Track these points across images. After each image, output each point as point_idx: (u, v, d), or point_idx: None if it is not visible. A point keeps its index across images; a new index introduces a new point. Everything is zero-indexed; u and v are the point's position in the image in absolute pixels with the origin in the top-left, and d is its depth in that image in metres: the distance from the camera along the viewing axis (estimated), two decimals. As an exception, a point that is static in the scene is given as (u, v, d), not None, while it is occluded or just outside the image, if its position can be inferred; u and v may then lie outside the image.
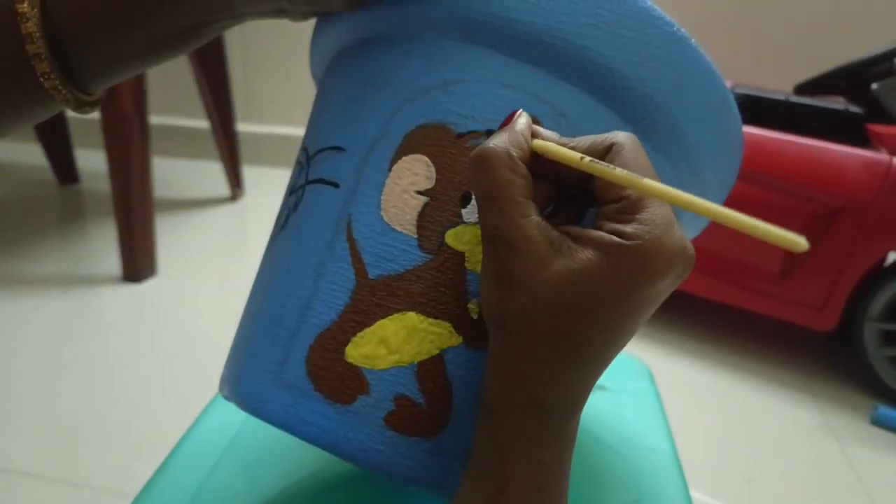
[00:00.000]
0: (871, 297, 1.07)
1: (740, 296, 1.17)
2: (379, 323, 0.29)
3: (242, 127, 2.02)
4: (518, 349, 0.24)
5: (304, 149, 0.35)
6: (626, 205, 0.24)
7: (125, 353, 1.13)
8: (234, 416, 0.49)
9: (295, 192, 0.34)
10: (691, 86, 0.31)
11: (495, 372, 0.25)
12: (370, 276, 0.29)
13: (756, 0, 1.72)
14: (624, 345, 0.25)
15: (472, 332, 0.29)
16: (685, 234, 0.44)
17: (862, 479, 0.94)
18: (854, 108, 1.11)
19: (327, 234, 0.31)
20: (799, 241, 0.17)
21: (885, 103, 1.07)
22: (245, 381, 0.32)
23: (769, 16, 1.72)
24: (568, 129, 0.30)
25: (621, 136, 0.25)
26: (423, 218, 0.29)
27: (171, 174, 2.04)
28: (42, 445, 0.91)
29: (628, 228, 0.23)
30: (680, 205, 0.21)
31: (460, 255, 0.29)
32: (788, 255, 1.11)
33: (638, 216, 0.23)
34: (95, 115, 1.28)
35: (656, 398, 0.57)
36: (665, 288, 0.24)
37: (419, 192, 0.30)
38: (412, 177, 0.30)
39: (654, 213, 0.23)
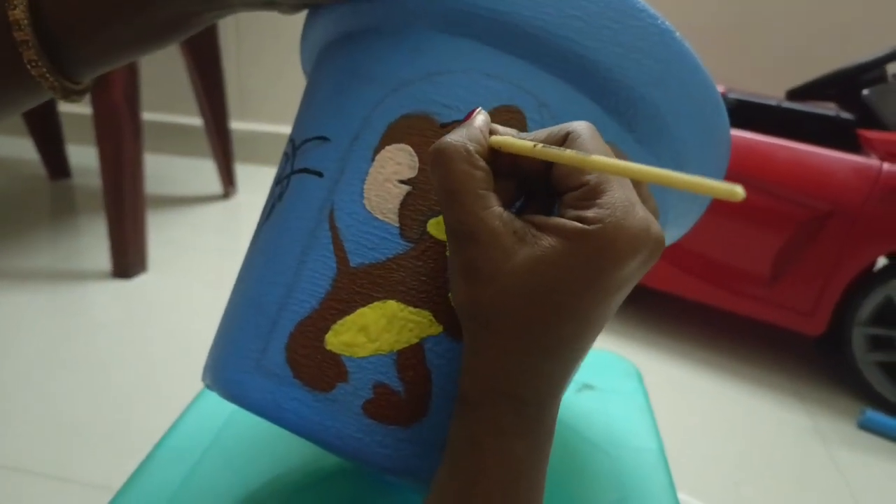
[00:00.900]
0: (859, 302, 1.07)
1: (730, 299, 1.18)
2: (359, 311, 0.29)
3: (236, 125, 2.02)
4: (490, 340, 0.24)
5: (290, 140, 0.35)
6: (586, 190, 0.24)
7: (114, 349, 1.12)
8: (219, 410, 0.48)
9: (280, 183, 0.34)
10: (675, 78, 0.31)
11: (469, 364, 0.25)
12: (351, 263, 0.29)
13: (749, 6, 1.73)
14: (597, 333, 0.25)
15: (453, 321, 0.29)
16: (672, 234, 0.43)
17: (849, 483, 0.94)
18: (845, 114, 1.12)
19: (310, 222, 0.31)
20: (735, 190, 0.17)
21: (876, 109, 1.08)
22: (226, 368, 0.31)
23: (762, 22, 1.73)
24: (551, 119, 0.30)
25: (577, 124, 0.25)
26: (405, 207, 0.29)
27: (163, 171, 2.03)
28: (30, 441, 0.90)
29: (589, 213, 0.23)
30: (624, 175, 0.21)
31: (441, 244, 0.29)
32: (778, 259, 1.12)
33: (598, 200, 0.23)
34: (88, 110, 1.28)
35: (644, 398, 0.57)
36: (633, 272, 0.24)
37: (402, 181, 0.30)
38: (395, 166, 0.30)
39: (613, 196, 0.23)
